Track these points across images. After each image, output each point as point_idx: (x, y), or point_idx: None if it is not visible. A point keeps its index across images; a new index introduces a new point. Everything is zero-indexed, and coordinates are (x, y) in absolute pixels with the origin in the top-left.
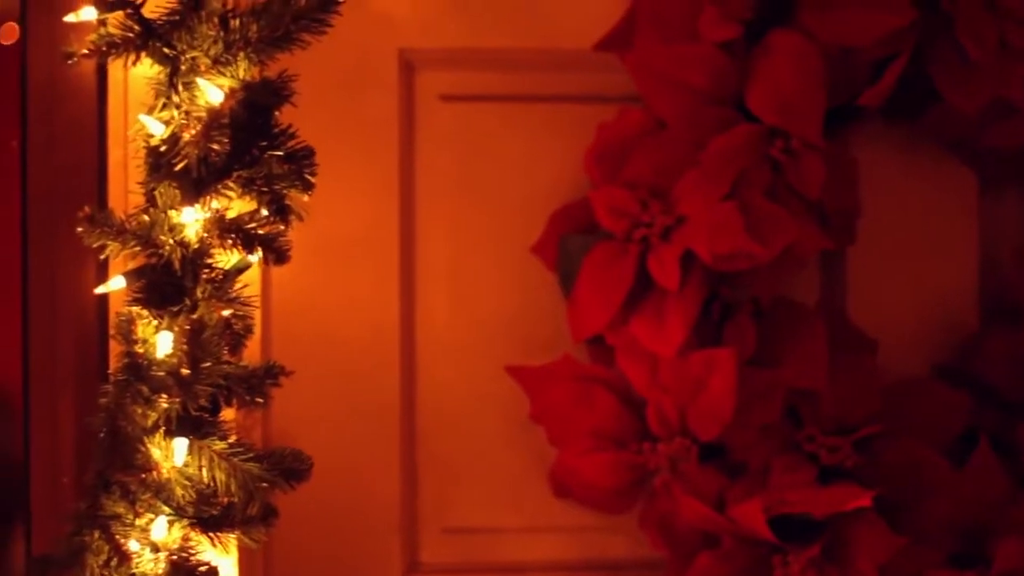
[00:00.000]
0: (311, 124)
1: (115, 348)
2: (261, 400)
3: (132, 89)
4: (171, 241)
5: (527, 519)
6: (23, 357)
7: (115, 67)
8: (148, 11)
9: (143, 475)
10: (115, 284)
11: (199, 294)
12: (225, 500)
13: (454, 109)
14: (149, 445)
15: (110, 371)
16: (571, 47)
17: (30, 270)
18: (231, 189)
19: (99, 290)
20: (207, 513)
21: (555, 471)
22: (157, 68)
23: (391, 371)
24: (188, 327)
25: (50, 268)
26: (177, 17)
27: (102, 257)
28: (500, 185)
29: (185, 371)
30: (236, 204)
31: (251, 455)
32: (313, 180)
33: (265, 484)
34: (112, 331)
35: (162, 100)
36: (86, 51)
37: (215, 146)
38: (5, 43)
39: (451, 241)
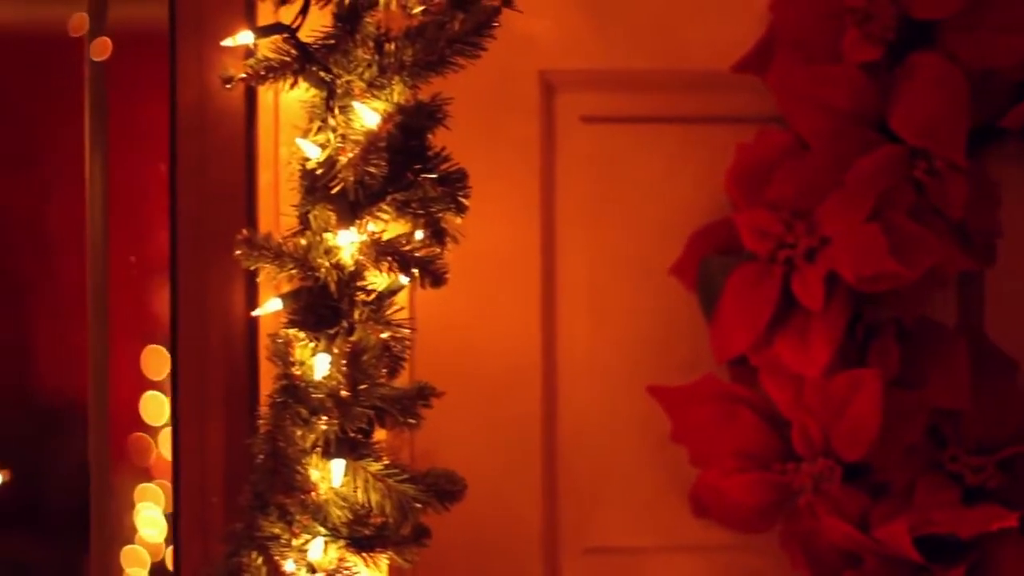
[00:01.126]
0: (452, 145)
1: (265, 370)
2: (413, 421)
3: (283, 112)
4: (327, 264)
5: (667, 538)
6: (173, 379)
7: (264, 90)
8: (303, 35)
9: (301, 496)
10: (271, 307)
11: (356, 316)
12: (378, 520)
13: (593, 130)
14: (308, 466)
15: (268, 393)
16: (709, 68)
17: (180, 292)
18: (386, 212)
19: (256, 313)
20: (361, 533)
21: (696, 491)
22: (312, 92)
23: (532, 391)
24: (348, 349)
25: (200, 290)
26: (333, 41)
27: (258, 280)
28: (638, 206)
29: (344, 393)
30: (391, 227)
31: (406, 476)
32: (466, 203)
33: (419, 505)
34: (268, 353)
35: (317, 123)
36: (244, 75)
37: (372, 169)
38: (95, 58)
39: (591, 262)
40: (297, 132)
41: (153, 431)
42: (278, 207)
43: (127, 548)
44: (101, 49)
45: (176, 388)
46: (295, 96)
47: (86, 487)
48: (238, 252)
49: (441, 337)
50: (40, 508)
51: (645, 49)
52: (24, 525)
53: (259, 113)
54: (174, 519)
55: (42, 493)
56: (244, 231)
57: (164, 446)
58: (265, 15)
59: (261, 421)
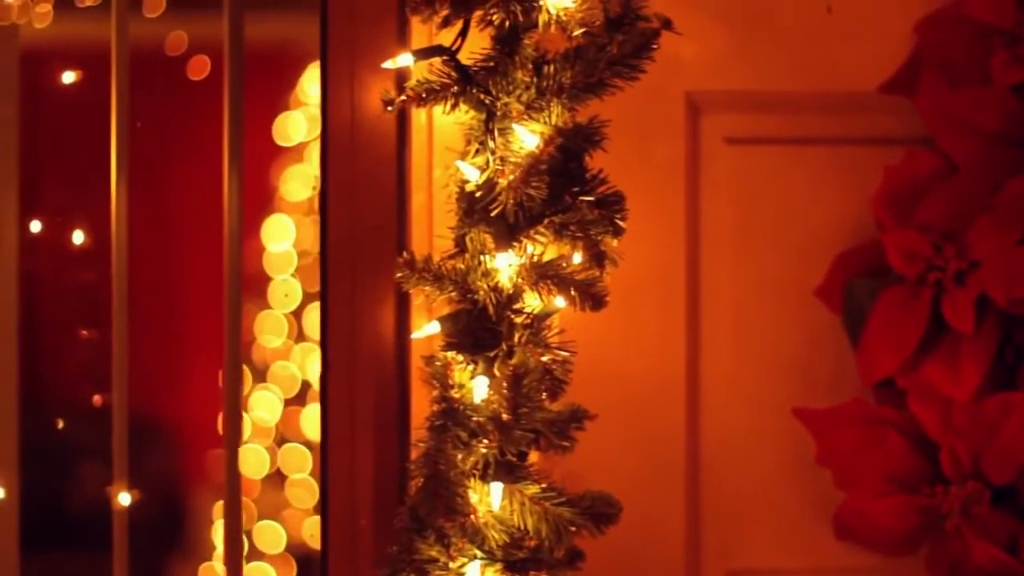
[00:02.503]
0: (597, 166)
1: (416, 392)
2: (567, 444)
3: (436, 134)
4: (485, 286)
5: (810, 561)
6: (322, 400)
7: (417, 112)
8: (462, 57)
9: (460, 519)
10: (429, 329)
11: (516, 339)
12: (533, 543)
13: (738, 152)
14: (468, 489)
15: (426, 415)
16: (854, 89)
17: (330, 314)
18: (544, 234)
19: (415, 335)
20: (516, 556)
21: (841, 513)
22: (471, 114)
23: (676, 412)
24: (509, 372)
25: (350, 312)
26: (492, 63)
27: (412, 302)
28: (782, 227)
29: (505, 416)
30: (548, 249)
31: (563, 499)
32: (624, 225)
33: (574, 528)
34: (425, 375)
35: (475, 146)
36: (405, 97)
37: (532, 192)
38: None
39: (735, 282)
40: (451, 154)
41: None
42: (432, 229)
43: (204, 565)
44: (200, 68)
45: (326, 409)
46: (449, 118)
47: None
48: (399, 275)
49: (584, 358)
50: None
51: (790, 70)
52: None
53: (412, 135)
54: (323, 542)
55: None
56: (405, 254)
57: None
58: (418, 37)
59: (420, 443)
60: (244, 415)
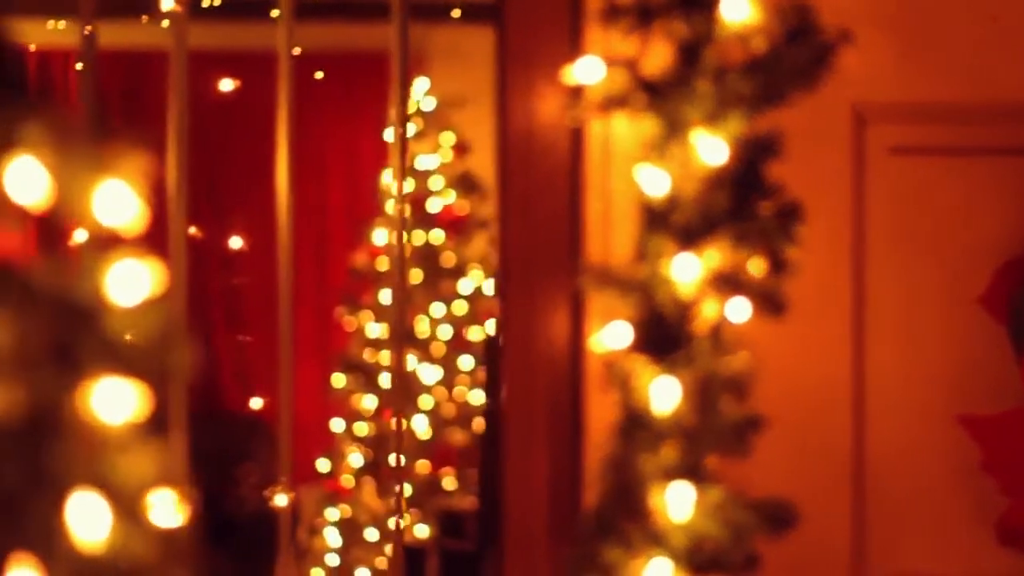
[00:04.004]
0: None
1: (591, 396)
2: (745, 449)
3: (613, 143)
4: (668, 293)
5: (973, 566)
6: (500, 404)
7: (594, 122)
8: (643, 68)
9: (644, 521)
10: (611, 333)
11: (700, 345)
12: (711, 546)
13: (902, 162)
14: (653, 491)
15: (610, 420)
16: (1020, 99)
17: (506, 319)
18: (724, 242)
19: (596, 341)
20: (696, 558)
21: (1006, 519)
22: (652, 124)
23: (842, 419)
24: (695, 378)
25: (525, 317)
26: (674, 75)
27: (587, 308)
28: (947, 236)
29: (690, 421)
30: (720, 256)
31: (743, 503)
32: (802, 234)
33: (754, 532)
34: (606, 380)
35: (656, 155)
36: (589, 108)
37: (714, 201)
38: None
39: (900, 291)
40: (628, 163)
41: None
42: (608, 237)
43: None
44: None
45: (503, 413)
46: (626, 127)
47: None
48: (584, 281)
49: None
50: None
51: (956, 81)
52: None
53: (587, 144)
54: (500, 544)
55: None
56: (587, 261)
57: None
58: (592, 47)
59: (603, 447)
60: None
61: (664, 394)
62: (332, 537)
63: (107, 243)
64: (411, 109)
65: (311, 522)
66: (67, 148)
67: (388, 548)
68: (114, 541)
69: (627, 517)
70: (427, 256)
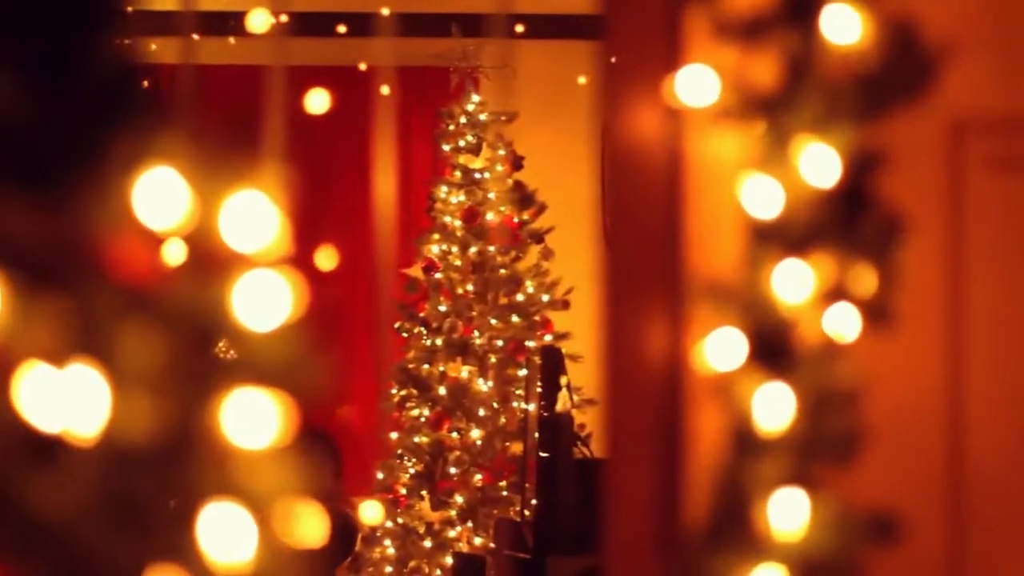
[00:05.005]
0: None
1: (692, 407)
2: (847, 462)
3: (714, 156)
4: (775, 306)
5: None
6: (606, 418)
7: (694, 133)
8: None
9: (753, 534)
10: (719, 346)
11: (806, 358)
12: (821, 557)
13: (1002, 175)
14: (762, 503)
15: (717, 432)
16: None
17: (608, 333)
18: (831, 256)
19: (702, 353)
20: (805, 570)
21: None
22: (758, 136)
23: (939, 435)
24: (804, 389)
25: (628, 330)
26: (782, 88)
27: (693, 321)
28: None
29: (799, 433)
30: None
31: (851, 515)
32: (905, 249)
33: (860, 544)
34: (715, 393)
35: (763, 168)
36: (695, 122)
37: (821, 214)
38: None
39: (1001, 306)
40: (731, 177)
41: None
42: (711, 250)
43: None
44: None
45: (606, 427)
46: (730, 141)
47: None
48: (691, 293)
49: None
50: None
51: None
52: None
53: (690, 158)
54: (604, 558)
55: None
56: (694, 274)
57: None
58: (693, 59)
59: (712, 459)
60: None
61: (774, 405)
62: (388, 547)
63: (245, 259)
64: (464, 122)
65: (368, 532)
66: (205, 163)
67: (444, 558)
68: (252, 558)
69: (736, 528)
70: (481, 268)
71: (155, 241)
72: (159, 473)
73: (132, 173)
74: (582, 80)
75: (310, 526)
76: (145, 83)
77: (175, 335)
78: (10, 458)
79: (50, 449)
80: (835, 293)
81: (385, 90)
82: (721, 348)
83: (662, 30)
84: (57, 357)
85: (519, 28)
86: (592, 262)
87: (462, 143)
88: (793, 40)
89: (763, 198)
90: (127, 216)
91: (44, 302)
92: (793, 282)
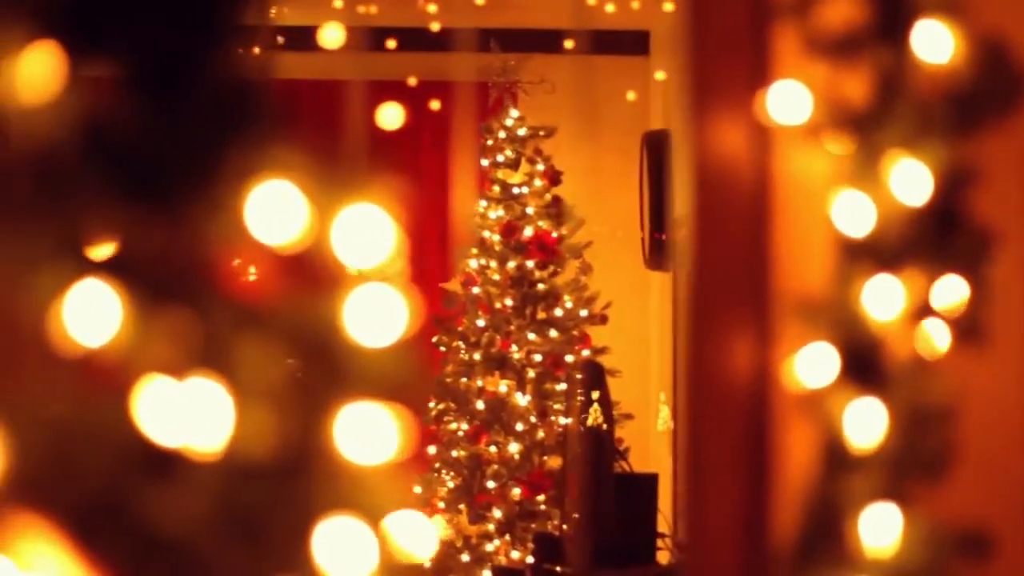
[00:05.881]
0: None
1: (779, 424)
2: (938, 478)
3: (806, 173)
4: (864, 321)
5: None
6: (691, 435)
7: (783, 148)
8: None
9: (847, 551)
10: (809, 362)
11: (899, 374)
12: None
13: None
14: (853, 520)
15: (807, 448)
16: None
17: (693, 349)
18: (923, 272)
19: (788, 370)
20: None
21: None
22: (849, 153)
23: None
24: (897, 405)
25: (713, 346)
26: (873, 104)
27: (785, 336)
28: None
29: (891, 449)
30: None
31: (943, 532)
32: (995, 265)
33: (954, 561)
34: (804, 410)
35: (855, 184)
36: (785, 138)
37: (913, 229)
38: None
39: None
40: (820, 193)
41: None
42: (799, 266)
43: None
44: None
45: (690, 443)
46: (818, 157)
47: None
48: (782, 309)
49: None
50: None
51: None
52: None
53: (777, 174)
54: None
55: None
56: (781, 288)
57: None
58: (781, 71)
59: (803, 475)
60: None
61: (866, 422)
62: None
63: (360, 273)
64: (503, 137)
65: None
66: (321, 177)
67: (482, 571)
68: (370, 573)
69: (827, 545)
70: (519, 282)
71: (271, 254)
72: (277, 488)
73: (248, 187)
74: (631, 96)
75: (421, 540)
76: (260, 97)
77: (292, 349)
78: (130, 472)
79: (170, 463)
80: (925, 309)
81: (435, 105)
82: (812, 364)
83: (748, 46)
84: (177, 371)
85: (568, 44)
86: (630, 277)
87: (501, 158)
88: (884, 56)
89: (854, 215)
90: (243, 230)
91: (163, 317)
92: (884, 298)
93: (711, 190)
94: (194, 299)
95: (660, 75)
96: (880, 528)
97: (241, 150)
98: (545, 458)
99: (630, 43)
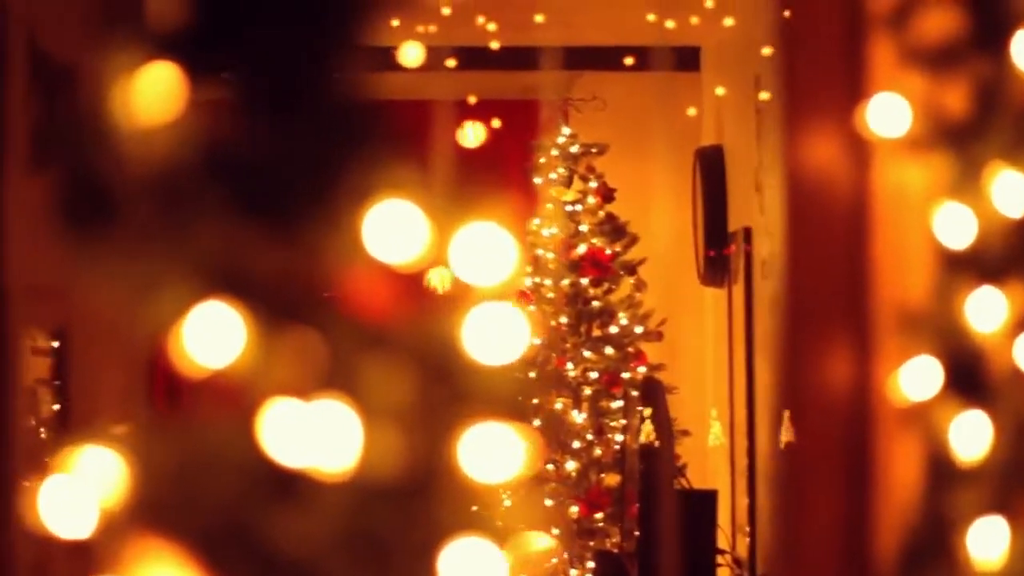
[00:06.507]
0: None
1: (880, 438)
2: None
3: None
4: (967, 334)
5: None
6: (787, 449)
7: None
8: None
9: (950, 562)
10: (914, 375)
11: (1005, 386)
12: None
13: None
14: (960, 533)
15: (911, 461)
16: None
17: (791, 363)
18: (1021, 283)
19: (890, 383)
20: None
21: None
22: (949, 165)
23: None
24: (1001, 418)
25: (813, 359)
26: (972, 116)
27: (883, 349)
28: None
29: (996, 461)
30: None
31: None
32: None
33: None
34: (912, 423)
35: (956, 196)
36: (884, 151)
37: (1015, 240)
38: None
39: None
40: (920, 205)
41: None
42: (899, 279)
43: None
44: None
45: (791, 457)
46: (916, 169)
47: None
48: (883, 324)
49: None
50: None
51: None
52: None
53: (875, 187)
54: None
55: None
56: (883, 301)
57: None
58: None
59: (904, 491)
60: None
61: (972, 434)
62: None
63: (481, 292)
64: (556, 154)
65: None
66: (439, 195)
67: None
68: None
69: (934, 558)
70: (574, 300)
71: (392, 274)
72: (404, 508)
73: (366, 206)
74: (691, 111)
75: (544, 557)
76: (375, 116)
77: (415, 369)
78: (255, 494)
79: (296, 485)
80: None
81: (496, 123)
82: (915, 378)
83: (845, 58)
84: (302, 392)
85: (628, 60)
86: (684, 293)
87: (553, 175)
88: (983, 67)
89: (955, 227)
90: (363, 249)
91: (287, 337)
92: (986, 310)
93: (809, 204)
94: (317, 319)
95: (720, 90)
96: (987, 542)
97: (359, 169)
98: (603, 475)
99: (681, 59)
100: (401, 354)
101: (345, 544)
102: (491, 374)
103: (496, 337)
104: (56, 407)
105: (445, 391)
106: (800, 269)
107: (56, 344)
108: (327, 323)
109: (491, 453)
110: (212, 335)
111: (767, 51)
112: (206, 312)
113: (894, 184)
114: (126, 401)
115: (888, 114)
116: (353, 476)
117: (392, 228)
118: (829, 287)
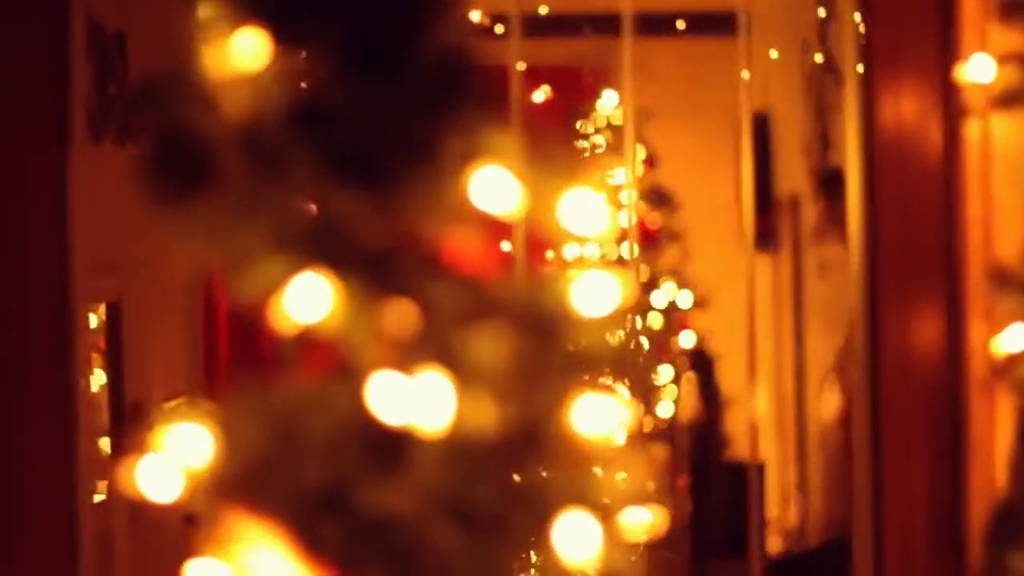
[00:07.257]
0: None
1: (970, 399)
2: None
3: (996, 142)
4: None
5: None
6: (875, 414)
7: (972, 122)
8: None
9: None
10: (1007, 337)
11: None
12: None
13: None
14: None
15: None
16: None
17: (879, 325)
18: None
19: (997, 345)
20: None
21: None
22: None
23: None
24: None
25: (900, 320)
26: None
27: (975, 310)
28: None
29: None
30: None
31: None
32: None
33: None
34: (1010, 383)
35: None
36: (978, 107)
37: None
38: None
39: None
40: (1012, 162)
41: None
42: (990, 238)
43: None
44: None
45: (879, 420)
46: (1009, 126)
47: None
48: (976, 283)
49: None
50: None
51: None
52: None
53: (966, 144)
54: (876, 556)
55: None
56: (999, 265)
57: None
58: (968, 45)
59: (996, 455)
60: None
61: None
62: None
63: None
64: (601, 123)
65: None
66: (537, 159)
67: None
68: (599, 558)
69: None
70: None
71: (491, 237)
72: (504, 472)
73: (465, 170)
74: (745, 75)
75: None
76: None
77: (518, 331)
78: (352, 459)
79: (394, 449)
80: None
81: (546, 90)
82: (1011, 338)
83: (936, 13)
84: (404, 356)
85: (680, 24)
86: (729, 261)
87: (599, 141)
88: None
89: None
90: (462, 213)
91: (386, 300)
92: None
93: (897, 163)
94: (416, 283)
95: (774, 53)
96: None
97: (458, 133)
98: (650, 447)
99: (724, 24)
100: (505, 315)
101: (443, 509)
102: (591, 332)
103: (595, 298)
104: (106, 379)
105: (548, 351)
106: (889, 230)
107: (109, 317)
108: (428, 286)
109: (596, 414)
110: (311, 300)
111: (822, 12)
112: (304, 277)
113: (988, 141)
114: (180, 375)
115: (979, 69)
116: (454, 441)
117: (490, 190)
118: (920, 247)
